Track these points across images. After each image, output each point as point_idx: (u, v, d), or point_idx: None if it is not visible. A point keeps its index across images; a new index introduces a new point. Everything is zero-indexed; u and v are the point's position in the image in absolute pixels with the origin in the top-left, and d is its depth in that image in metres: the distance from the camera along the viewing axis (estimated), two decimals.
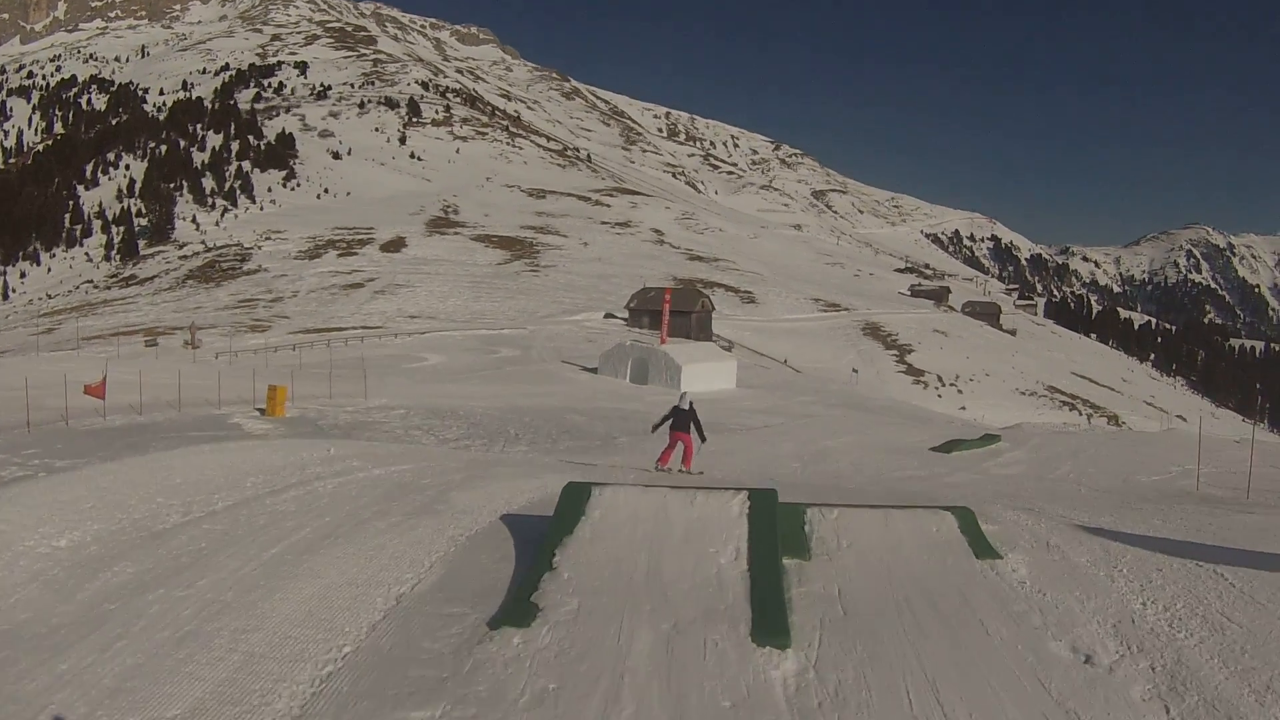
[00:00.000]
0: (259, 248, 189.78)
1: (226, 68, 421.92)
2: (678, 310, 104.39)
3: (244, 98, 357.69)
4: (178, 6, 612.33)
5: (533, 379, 64.78)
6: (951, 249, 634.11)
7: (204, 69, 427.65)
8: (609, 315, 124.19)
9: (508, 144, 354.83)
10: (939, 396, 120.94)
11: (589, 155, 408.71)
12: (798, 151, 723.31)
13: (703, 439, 24.53)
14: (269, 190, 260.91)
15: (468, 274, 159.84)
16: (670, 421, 24.23)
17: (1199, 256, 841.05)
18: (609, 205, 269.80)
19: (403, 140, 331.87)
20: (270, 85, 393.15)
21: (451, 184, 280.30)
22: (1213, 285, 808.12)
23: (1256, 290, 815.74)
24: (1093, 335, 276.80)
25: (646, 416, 41.12)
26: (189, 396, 41.14)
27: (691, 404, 24.42)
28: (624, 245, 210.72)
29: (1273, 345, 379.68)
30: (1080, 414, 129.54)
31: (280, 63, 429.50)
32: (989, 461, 35.61)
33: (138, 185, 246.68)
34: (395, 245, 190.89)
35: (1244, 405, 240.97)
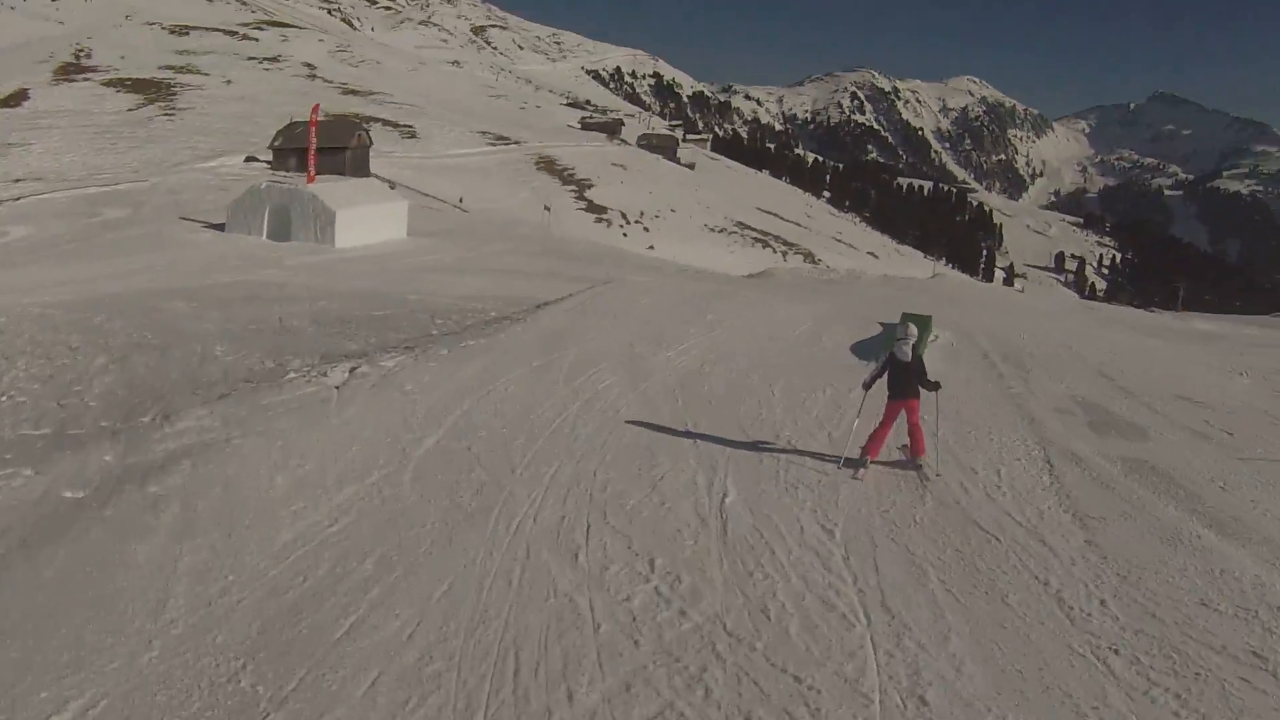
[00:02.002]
0: None
1: None
2: (330, 146, 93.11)
3: None
4: None
5: (134, 247, 44.91)
6: (613, 86, 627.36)
7: None
8: (250, 159, 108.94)
9: None
10: (625, 235, 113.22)
11: None
12: None
13: (935, 386, 16.21)
14: None
15: (93, 124, 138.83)
16: (886, 378, 16.07)
17: (863, 99, 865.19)
18: (257, 40, 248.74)
19: None
20: None
21: (86, 25, 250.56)
22: (876, 126, 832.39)
23: (920, 133, 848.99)
24: (765, 171, 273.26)
25: (289, 294, 30.60)
26: None
27: (917, 351, 16.64)
28: (272, 81, 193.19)
29: (940, 185, 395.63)
30: (775, 251, 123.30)
31: None
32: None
33: None
34: (15, 99, 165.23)
35: (921, 241, 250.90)
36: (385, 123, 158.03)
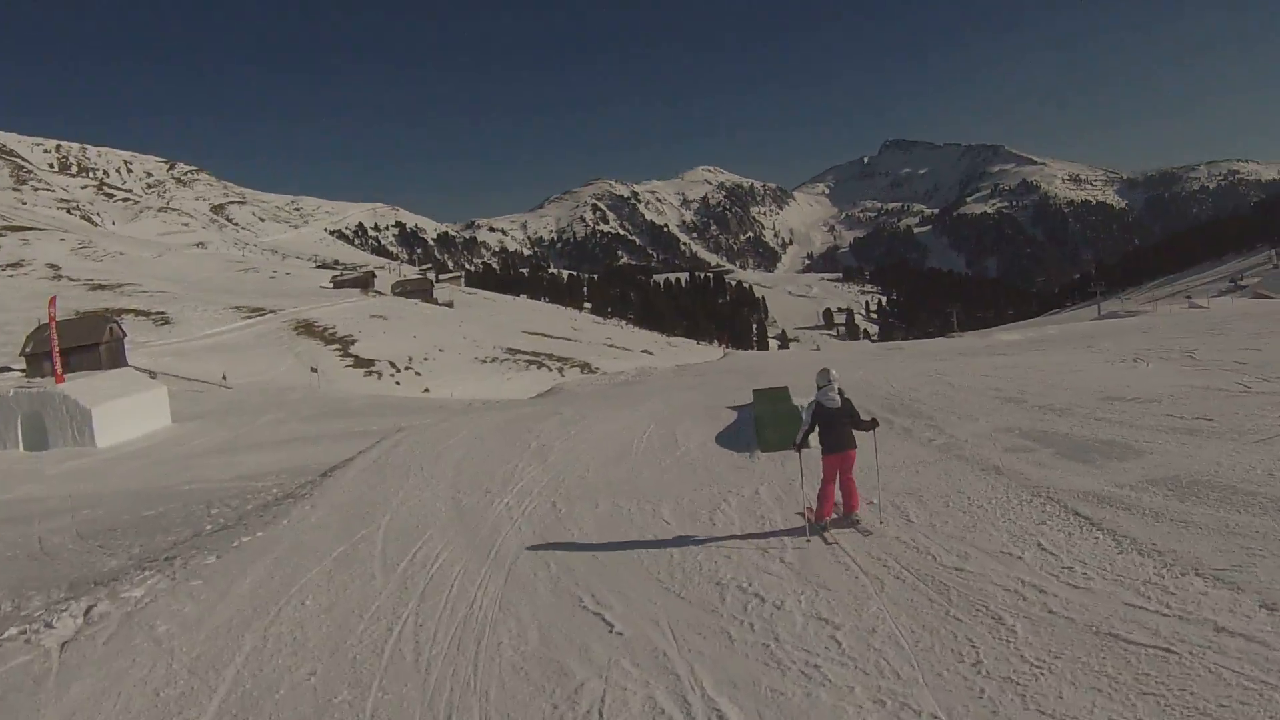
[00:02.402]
0: None
1: None
2: (82, 344, 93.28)
3: None
4: None
5: None
6: (358, 242, 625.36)
7: None
8: (3, 369, 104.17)
9: None
10: (398, 384, 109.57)
11: None
12: (193, 168, 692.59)
13: (872, 424, 14.80)
14: None
15: None
16: (818, 430, 14.59)
17: (604, 209, 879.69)
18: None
19: None
20: None
21: None
22: (621, 232, 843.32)
23: (665, 229, 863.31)
24: (523, 296, 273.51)
25: (50, 508, 26.69)
26: None
27: (843, 393, 14.86)
28: (18, 287, 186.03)
29: (695, 273, 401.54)
30: (550, 369, 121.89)
31: None
32: None
33: None
34: None
35: (691, 330, 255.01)
36: (138, 313, 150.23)
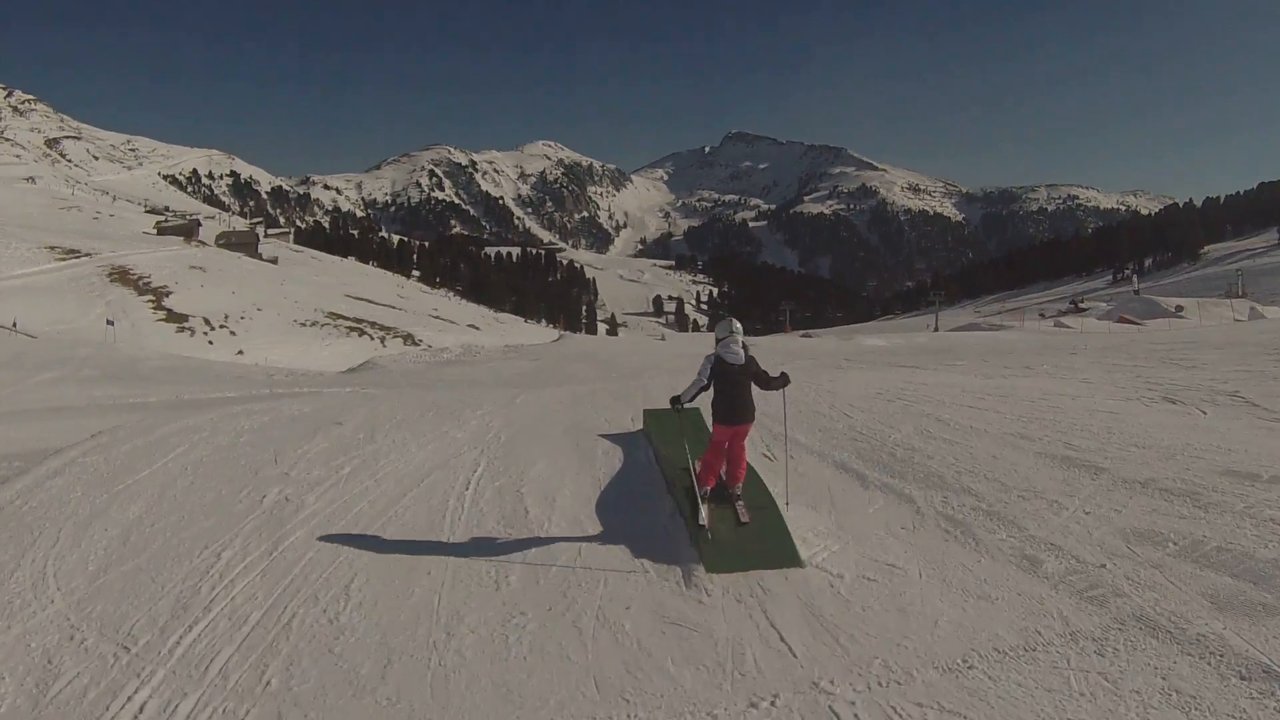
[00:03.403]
0: None
1: None
2: None
3: None
4: None
5: None
6: (191, 189, 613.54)
7: None
8: None
9: None
10: (210, 343, 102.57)
11: None
12: (31, 97, 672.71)
13: (783, 381, 12.58)
14: None
15: None
16: (709, 391, 12.29)
17: (441, 175, 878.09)
18: None
19: None
20: None
21: None
22: (456, 201, 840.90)
23: (500, 201, 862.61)
24: (351, 258, 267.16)
25: None
26: None
27: (748, 348, 12.41)
28: None
29: (528, 249, 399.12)
30: (372, 338, 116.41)
31: None
32: None
33: None
34: None
35: (519, 306, 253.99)
36: None
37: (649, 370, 32.99)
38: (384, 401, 23.33)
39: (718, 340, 12.33)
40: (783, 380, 12.45)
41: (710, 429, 12.68)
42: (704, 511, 11.63)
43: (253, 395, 35.37)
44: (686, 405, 12.56)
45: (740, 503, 12.30)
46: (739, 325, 12.39)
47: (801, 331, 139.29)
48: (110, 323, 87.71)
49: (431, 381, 34.66)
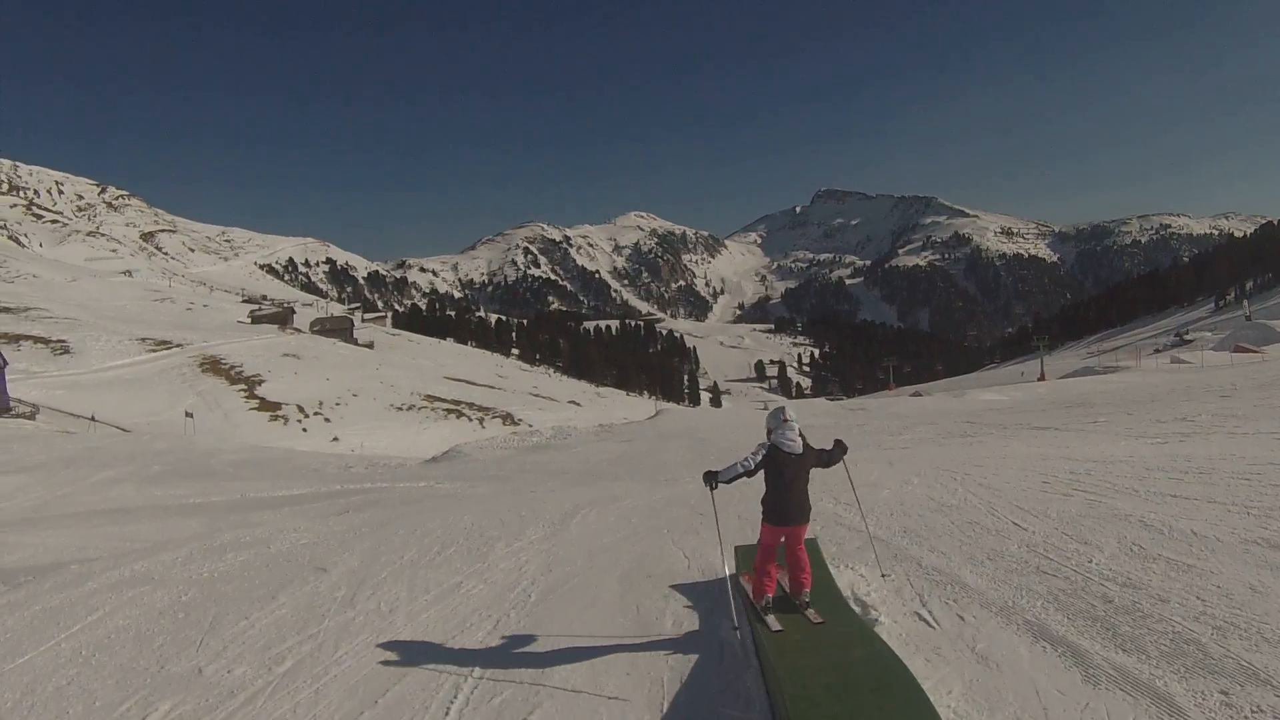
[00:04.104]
0: None
1: None
2: None
3: None
4: None
5: None
6: (288, 277, 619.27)
7: None
8: None
9: None
10: (304, 430, 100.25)
11: None
12: (124, 193, 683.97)
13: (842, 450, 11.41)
14: None
15: None
16: (766, 488, 10.70)
17: (536, 252, 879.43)
18: None
19: None
20: None
21: None
22: (553, 277, 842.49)
23: (597, 275, 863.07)
24: (449, 339, 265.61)
25: None
26: None
27: (804, 435, 10.86)
28: None
29: (626, 321, 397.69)
30: (470, 419, 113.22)
31: None
32: None
33: None
34: None
35: (620, 379, 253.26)
36: (37, 340, 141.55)
37: (739, 440, 29.16)
38: (400, 527, 19.67)
39: (770, 431, 10.80)
40: (841, 449, 11.35)
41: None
42: (771, 621, 10.34)
43: (322, 493, 32.15)
44: (715, 482, 10.58)
45: (810, 609, 10.62)
46: (793, 413, 10.90)
47: (910, 390, 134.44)
48: (189, 415, 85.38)
49: (512, 472, 31.05)
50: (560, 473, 28.83)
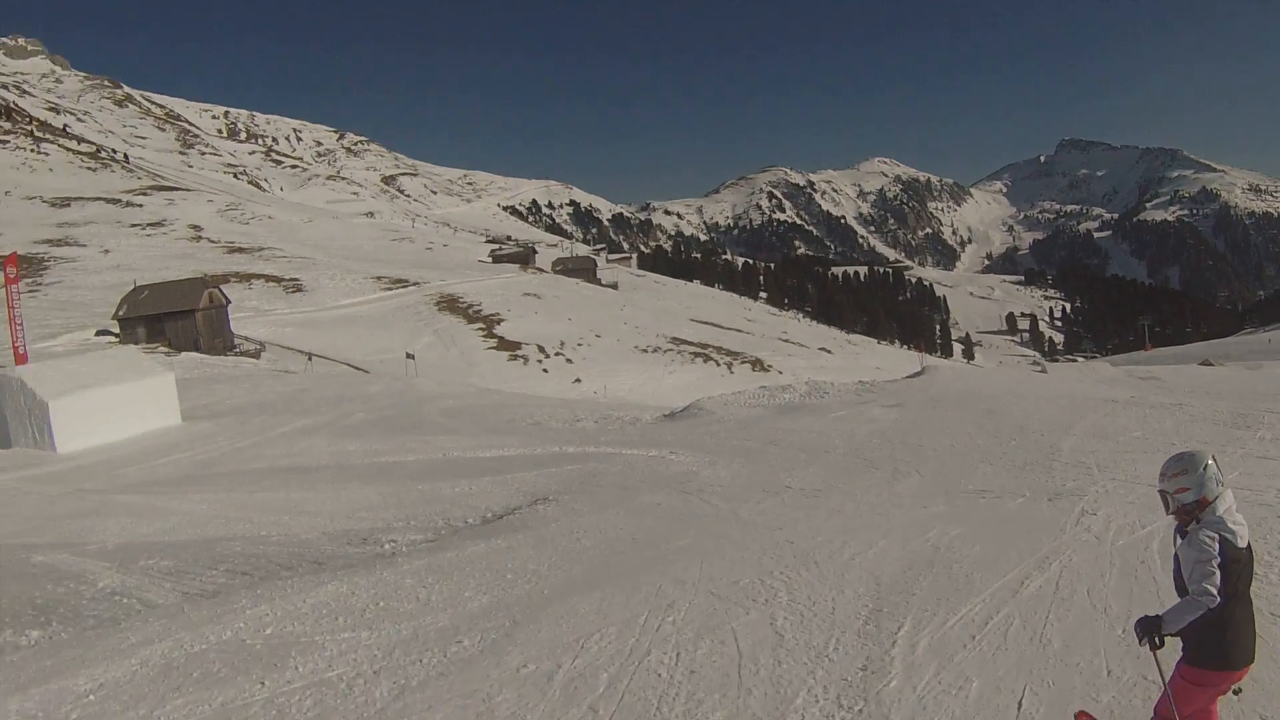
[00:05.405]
0: None
1: None
2: (175, 310, 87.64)
3: None
4: None
5: None
6: (531, 219, 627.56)
7: None
8: (102, 332, 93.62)
9: (33, 151, 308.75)
10: (545, 371, 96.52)
11: (125, 156, 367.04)
12: (363, 139, 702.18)
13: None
14: None
15: None
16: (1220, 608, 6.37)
17: (780, 196, 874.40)
18: (141, 206, 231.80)
19: None
20: None
21: None
22: (799, 222, 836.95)
23: (842, 220, 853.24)
24: (695, 281, 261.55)
25: None
26: None
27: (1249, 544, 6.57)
28: (153, 247, 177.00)
29: (875, 267, 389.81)
30: (718, 364, 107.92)
31: None
32: None
33: None
34: None
35: (870, 327, 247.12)
36: (269, 278, 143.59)
37: (1059, 434, 21.88)
38: (587, 562, 14.03)
39: (1200, 503, 6.52)
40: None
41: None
42: None
43: (532, 457, 26.53)
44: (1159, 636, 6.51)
45: None
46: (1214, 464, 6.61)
47: (1200, 360, 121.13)
48: (410, 356, 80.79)
49: (760, 443, 24.55)
50: (819, 450, 22.25)
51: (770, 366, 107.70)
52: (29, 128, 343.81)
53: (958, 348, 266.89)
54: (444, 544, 15.35)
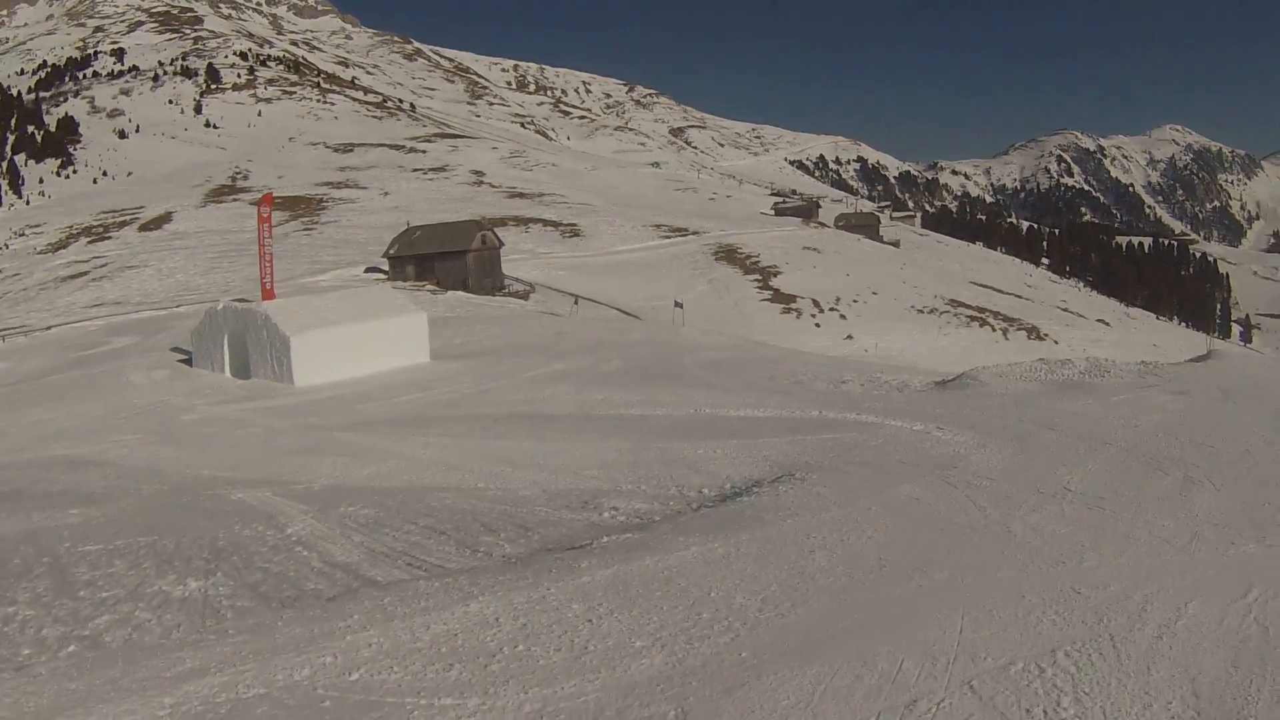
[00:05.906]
0: (6, 247, 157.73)
1: (44, 65, 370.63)
2: (446, 250, 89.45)
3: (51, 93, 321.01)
4: (3, 12, 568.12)
5: (63, 391, 32.04)
6: (818, 174, 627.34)
7: (21, 70, 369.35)
8: (371, 269, 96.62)
9: (318, 101, 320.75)
10: (817, 326, 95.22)
11: (411, 105, 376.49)
12: (652, 91, 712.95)
13: None
14: (40, 181, 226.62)
15: (223, 243, 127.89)
16: None
17: (1069, 161, 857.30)
18: (424, 152, 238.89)
19: (198, 109, 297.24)
20: (84, 77, 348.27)
21: (249, 149, 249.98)
22: (1086, 188, 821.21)
23: (1131, 189, 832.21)
24: (978, 243, 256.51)
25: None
26: None
27: None
28: (433, 190, 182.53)
29: (1159, 239, 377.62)
30: (993, 329, 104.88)
31: (97, 53, 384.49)
32: None
33: None
34: (158, 223, 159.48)
35: (1150, 301, 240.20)
36: (547, 223, 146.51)
37: None
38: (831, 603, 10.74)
39: None
40: None
41: None
42: None
43: (787, 420, 24.05)
44: None
45: None
46: None
47: None
48: (679, 305, 78.67)
49: (1035, 425, 21.62)
50: (1099, 441, 19.16)
51: (1046, 335, 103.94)
52: (316, 79, 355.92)
53: (1236, 329, 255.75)
54: (652, 538, 12.72)
